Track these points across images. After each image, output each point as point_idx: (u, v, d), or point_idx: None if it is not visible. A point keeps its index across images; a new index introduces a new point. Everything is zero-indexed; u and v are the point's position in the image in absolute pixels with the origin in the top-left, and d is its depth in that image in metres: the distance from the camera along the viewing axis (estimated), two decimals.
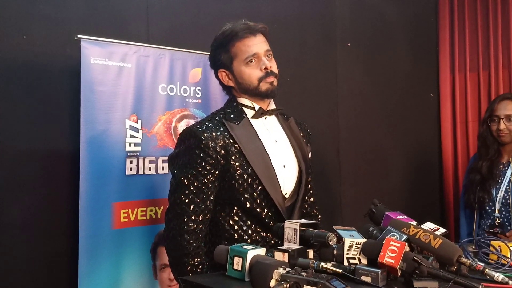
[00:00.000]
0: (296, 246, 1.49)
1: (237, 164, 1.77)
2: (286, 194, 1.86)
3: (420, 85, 4.49)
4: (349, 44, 4.06)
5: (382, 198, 1.86)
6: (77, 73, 2.55)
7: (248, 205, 1.79)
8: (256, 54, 1.83)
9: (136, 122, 2.72)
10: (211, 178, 1.77)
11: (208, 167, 1.75)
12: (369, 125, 4.11)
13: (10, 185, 2.58)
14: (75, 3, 2.80)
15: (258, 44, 1.84)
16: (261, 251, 1.40)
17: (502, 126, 2.81)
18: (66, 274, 2.66)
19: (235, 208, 1.81)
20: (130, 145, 2.69)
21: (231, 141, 1.78)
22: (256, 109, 1.87)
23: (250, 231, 1.81)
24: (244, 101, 1.89)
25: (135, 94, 2.73)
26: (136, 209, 2.71)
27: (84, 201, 2.53)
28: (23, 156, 2.62)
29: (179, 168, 1.79)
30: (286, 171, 1.87)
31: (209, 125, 1.80)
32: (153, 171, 2.77)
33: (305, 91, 3.78)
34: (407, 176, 4.38)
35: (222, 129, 1.80)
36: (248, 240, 1.80)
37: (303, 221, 1.58)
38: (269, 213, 1.81)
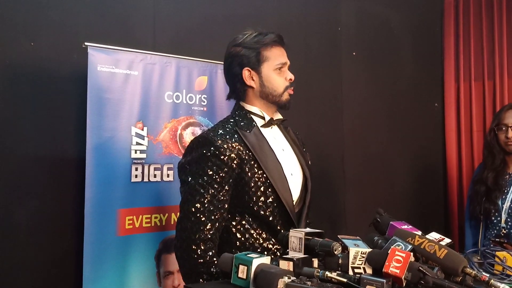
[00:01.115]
0: (301, 255, 1.49)
1: (251, 172, 1.78)
2: (294, 201, 1.87)
3: (425, 94, 4.49)
4: (354, 53, 4.07)
5: (386, 207, 1.85)
6: (84, 80, 2.56)
7: (262, 213, 1.80)
8: (286, 64, 1.91)
9: (142, 129, 2.73)
10: (226, 187, 1.76)
11: (223, 175, 1.75)
12: (373, 134, 4.11)
13: (16, 190, 2.60)
14: (83, 10, 2.82)
15: (286, 55, 1.93)
16: (266, 260, 1.40)
17: (510, 134, 2.80)
18: (71, 280, 2.67)
19: (246, 215, 1.82)
20: (135, 152, 2.70)
21: (245, 149, 1.79)
22: (267, 118, 1.90)
23: (261, 239, 1.82)
24: (254, 109, 1.91)
25: (141, 101, 2.74)
26: (141, 216, 2.72)
27: (89, 207, 2.54)
28: (29, 162, 2.64)
29: (193, 176, 1.77)
30: (294, 178, 1.89)
31: (222, 132, 1.81)
32: (158, 178, 2.78)
33: (310, 99, 3.79)
34: (412, 185, 4.37)
35: (236, 136, 1.81)
36: (259, 248, 1.80)
37: (308, 230, 1.58)
38: (281, 221, 1.82)
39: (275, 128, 1.95)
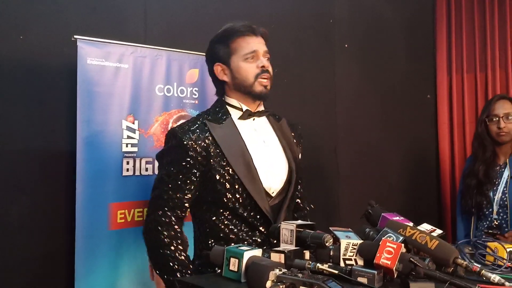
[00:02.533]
0: (292, 247, 1.49)
1: (218, 165, 1.79)
2: (273, 193, 1.86)
3: (418, 86, 4.50)
4: (347, 45, 4.06)
5: (379, 199, 1.86)
6: (74, 74, 2.54)
7: (231, 206, 1.81)
8: (256, 52, 1.87)
9: (133, 123, 2.71)
10: (192, 177, 1.79)
11: (189, 166, 1.78)
12: (366, 126, 4.12)
13: (6, 185, 2.57)
14: (72, 3, 2.79)
15: (258, 43, 1.89)
16: (258, 252, 1.39)
17: (502, 124, 2.81)
18: (63, 275, 2.65)
19: (221, 210, 1.83)
20: (126, 146, 2.69)
21: (212, 142, 1.80)
22: (244, 110, 1.89)
23: (236, 230, 1.83)
24: (232, 101, 1.91)
25: (132, 94, 2.72)
26: (132, 210, 2.70)
27: (81, 201, 2.52)
28: (19, 156, 2.61)
29: (162, 166, 1.86)
30: (275, 170, 1.88)
31: (191, 126, 1.83)
32: (150, 172, 2.77)
33: (303, 91, 3.78)
34: (404, 177, 4.38)
35: (204, 130, 1.82)
36: (235, 238, 1.81)
37: (299, 222, 1.58)
38: (252, 213, 1.82)
39: (260, 119, 1.94)
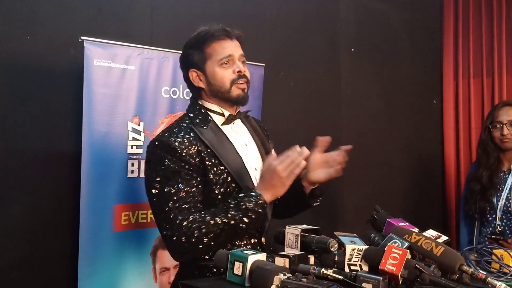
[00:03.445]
0: (297, 251, 1.49)
1: (212, 167, 1.72)
2: None
3: (424, 91, 4.48)
4: (353, 50, 4.06)
5: (384, 204, 1.85)
6: (80, 75, 2.54)
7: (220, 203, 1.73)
8: (231, 56, 1.81)
9: (139, 125, 2.72)
10: (195, 183, 1.69)
11: (190, 173, 1.69)
12: (372, 131, 4.11)
13: (11, 186, 2.58)
14: (79, 4, 2.80)
15: (233, 47, 1.83)
16: (262, 256, 1.39)
17: (505, 131, 2.81)
18: (66, 276, 2.66)
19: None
20: (132, 148, 2.69)
21: (203, 146, 1.74)
22: (226, 115, 1.84)
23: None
24: (212, 106, 1.85)
25: (138, 96, 2.72)
26: (137, 212, 2.71)
27: (85, 203, 2.52)
28: (25, 157, 2.62)
29: (159, 182, 1.68)
30: (257, 173, 1.83)
31: (178, 132, 1.74)
32: None
33: (308, 95, 3.78)
34: (410, 182, 4.37)
35: (192, 135, 1.74)
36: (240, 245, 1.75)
37: (304, 226, 1.57)
38: None
39: (237, 122, 1.89)
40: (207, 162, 1.72)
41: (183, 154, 1.69)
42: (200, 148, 1.73)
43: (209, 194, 1.73)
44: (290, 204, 1.96)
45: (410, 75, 4.39)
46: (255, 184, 1.77)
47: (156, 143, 1.74)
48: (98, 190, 2.56)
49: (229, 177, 1.74)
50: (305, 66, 3.74)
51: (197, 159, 1.71)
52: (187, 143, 1.71)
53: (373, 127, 4.11)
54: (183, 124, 1.79)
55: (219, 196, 1.73)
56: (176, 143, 1.69)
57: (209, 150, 1.74)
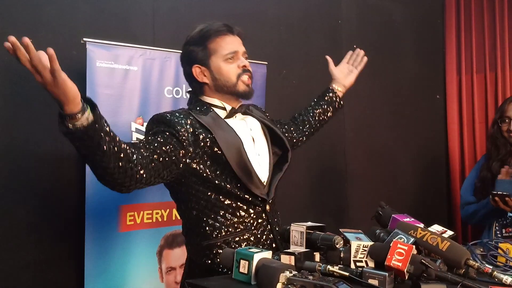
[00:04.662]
0: (302, 249, 1.49)
1: (208, 148, 1.73)
2: (265, 182, 1.85)
3: (427, 86, 4.47)
4: (355, 46, 4.04)
5: (388, 200, 1.85)
6: (83, 76, 2.55)
7: (223, 184, 1.75)
8: (236, 52, 1.85)
9: (142, 125, 2.72)
10: (169, 142, 1.67)
11: (174, 140, 1.68)
12: (375, 127, 4.10)
13: (16, 187, 2.59)
14: (81, 5, 2.80)
15: (237, 44, 1.87)
16: (268, 254, 1.39)
17: None
18: (72, 277, 2.67)
19: (212, 195, 1.77)
20: None
21: (200, 127, 1.75)
22: (228, 108, 1.86)
23: (228, 221, 1.77)
24: (214, 101, 1.87)
25: (141, 97, 2.73)
26: (142, 212, 2.71)
27: (91, 203, 2.53)
28: (29, 158, 2.63)
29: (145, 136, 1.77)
30: (261, 158, 1.86)
31: (176, 113, 1.78)
32: None
33: (311, 92, 3.76)
34: (414, 178, 4.36)
35: (191, 117, 1.77)
36: (229, 229, 1.77)
37: (309, 223, 1.57)
38: (243, 190, 1.78)
39: (238, 115, 1.90)
40: (202, 143, 1.73)
41: (177, 128, 1.70)
42: (196, 127, 1.74)
43: (202, 174, 1.73)
44: (327, 111, 2.56)
45: (413, 71, 4.38)
46: (256, 170, 1.79)
47: (154, 118, 1.78)
48: (103, 191, 2.54)
49: (225, 159, 1.74)
50: (308, 63, 3.73)
51: (190, 138, 1.71)
52: (183, 122, 1.73)
53: (376, 124, 4.11)
54: (183, 112, 1.81)
55: (212, 175, 1.74)
56: (173, 119, 1.72)
57: (206, 130, 1.74)
